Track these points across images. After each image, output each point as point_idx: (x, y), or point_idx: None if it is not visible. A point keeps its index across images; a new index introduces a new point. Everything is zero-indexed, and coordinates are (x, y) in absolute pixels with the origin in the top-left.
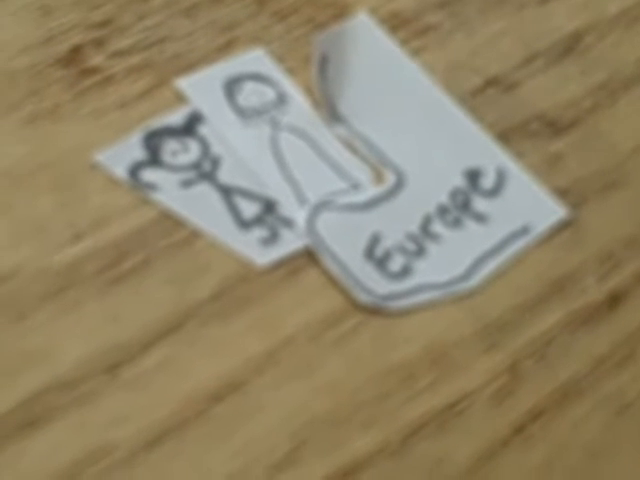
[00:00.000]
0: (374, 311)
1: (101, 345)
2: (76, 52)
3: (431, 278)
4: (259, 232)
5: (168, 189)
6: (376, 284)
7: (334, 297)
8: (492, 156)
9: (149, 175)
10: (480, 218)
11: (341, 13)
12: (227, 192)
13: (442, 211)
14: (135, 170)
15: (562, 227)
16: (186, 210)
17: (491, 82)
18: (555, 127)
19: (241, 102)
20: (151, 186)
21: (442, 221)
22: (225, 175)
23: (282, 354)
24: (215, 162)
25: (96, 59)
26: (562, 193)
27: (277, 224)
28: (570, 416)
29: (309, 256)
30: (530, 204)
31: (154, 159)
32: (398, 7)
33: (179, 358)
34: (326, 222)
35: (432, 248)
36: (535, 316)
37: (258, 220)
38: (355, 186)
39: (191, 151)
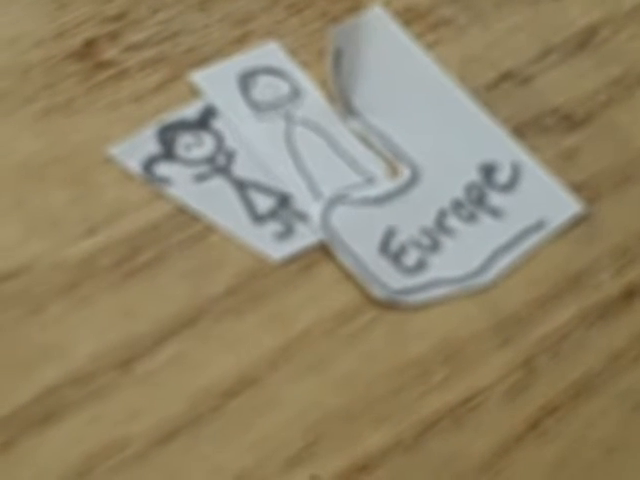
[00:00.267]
0: (389, 306)
1: (115, 340)
2: (90, 46)
3: (446, 273)
4: (273, 226)
5: (182, 183)
6: (391, 279)
7: (348, 292)
8: (507, 151)
9: (163, 169)
10: (495, 213)
11: (356, 7)
12: (241, 186)
13: (457, 206)
14: (149, 164)
15: (577, 222)
16: (200, 204)
17: (506, 76)
18: (570, 121)
19: (255, 96)
20: (165, 180)
21: (457, 216)
22: (239, 169)
23: (296, 349)
24: (229, 156)
25: (110, 53)
26: (577, 188)
27: (291, 218)
28: (585, 412)
29: (323, 250)
30: (545, 199)
31: (168, 153)
32: (413, 0)
33: (193, 353)
34: (341, 216)
35: (447, 243)
36: (550, 311)
37: (272, 214)
38: (370, 180)
39: (205, 145)
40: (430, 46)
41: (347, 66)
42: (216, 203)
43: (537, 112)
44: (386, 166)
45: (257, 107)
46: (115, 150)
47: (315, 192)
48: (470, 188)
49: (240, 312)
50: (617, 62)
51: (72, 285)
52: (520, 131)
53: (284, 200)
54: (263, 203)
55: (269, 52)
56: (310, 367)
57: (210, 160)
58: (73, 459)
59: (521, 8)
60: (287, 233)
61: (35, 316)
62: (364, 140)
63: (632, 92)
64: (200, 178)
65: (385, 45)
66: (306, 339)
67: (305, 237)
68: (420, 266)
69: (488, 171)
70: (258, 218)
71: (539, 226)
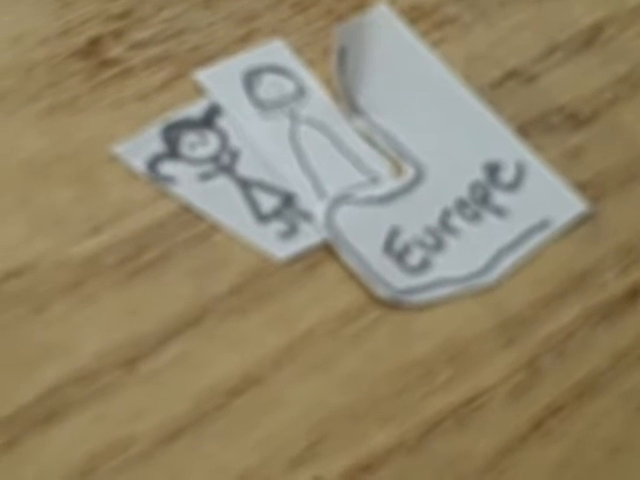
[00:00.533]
0: (392, 305)
1: (120, 338)
2: (95, 44)
3: (450, 272)
4: (278, 225)
5: (187, 182)
6: (395, 278)
7: (353, 291)
8: (512, 149)
9: (168, 168)
10: (499, 212)
11: (361, 5)
12: (246, 185)
13: (461, 205)
14: (154, 163)
15: (582, 221)
16: (205, 203)
17: (511, 74)
18: (575, 120)
19: (260, 94)
20: (170, 179)
21: (461, 215)
22: (244, 168)
23: (300, 348)
24: (234, 155)
25: (115, 51)
26: (582, 187)
27: (296, 218)
28: (589, 412)
29: (328, 250)
30: (550, 198)
31: (173, 152)
32: None
33: (198, 352)
34: (345, 216)
35: (451, 242)
36: (554, 311)
37: (277, 213)
38: (374, 179)
39: (210, 144)
40: (435, 44)
41: (352, 64)
42: (220, 202)
43: (542, 111)
44: (390, 165)
45: (262, 106)
46: (120, 148)
47: (319, 191)
48: (474, 187)
49: (244, 311)
50: (623, 60)
51: (76, 284)
52: (525, 130)
53: (288, 199)
54: (267, 202)
55: (274, 50)
56: (314, 366)
57: (214, 159)
58: (77, 458)
59: (526, 6)
60: (291, 232)
61: (39, 315)
62: (368, 139)
63: (637, 90)
64: (204, 177)
65: (390, 43)
66: (310, 338)
67: (309, 236)
68: (424, 266)
69: (493, 170)
70: (262, 217)
71: (544, 225)
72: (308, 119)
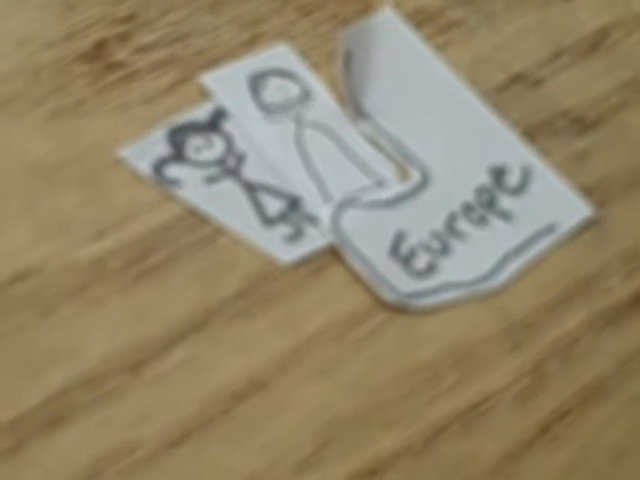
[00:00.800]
0: (398, 309)
1: (125, 342)
2: (100, 47)
3: (456, 277)
4: (283, 229)
5: (192, 185)
6: (401, 282)
7: (358, 295)
8: (517, 154)
9: (173, 171)
10: (505, 216)
11: (366, 9)
12: (251, 189)
13: (467, 209)
14: (159, 166)
15: (587, 226)
16: (210, 207)
17: (516, 78)
18: (581, 124)
19: (266, 98)
20: (175, 182)
21: (467, 219)
22: (249, 171)
23: (306, 352)
24: (239, 158)
25: (120, 54)
26: (588, 191)
27: (301, 221)
28: (595, 417)
29: (333, 253)
30: (555, 202)
31: (178, 155)
32: (423, 3)
33: (203, 356)
34: (351, 219)
35: (457, 246)
36: (560, 315)
37: (282, 217)
38: (380, 183)
39: (215, 147)
40: (440, 48)
41: (357, 68)
42: (226, 205)
43: (547, 115)
44: (396, 169)
45: (267, 109)
46: (125, 152)
47: (325, 195)
48: (480, 191)
49: (250, 315)
50: (628, 65)
51: (82, 287)
52: (530, 134)
53: (294, 203)
54: (273, 206)
55: (279, 54)
56: (320, 370)
57: (220, 162)
58: (82, 462)
59: (531, 10)
60: (297, 236)
61: (45, 318)
62: (374, 143)
63: None
64: (210, 180)
65: (395, 47)
66: (316, 342)
67: (315, 240)
68: (430, 270)
69: (498, 174)
70: (268, 221)
71: (549, 230)
72: (313, 123)
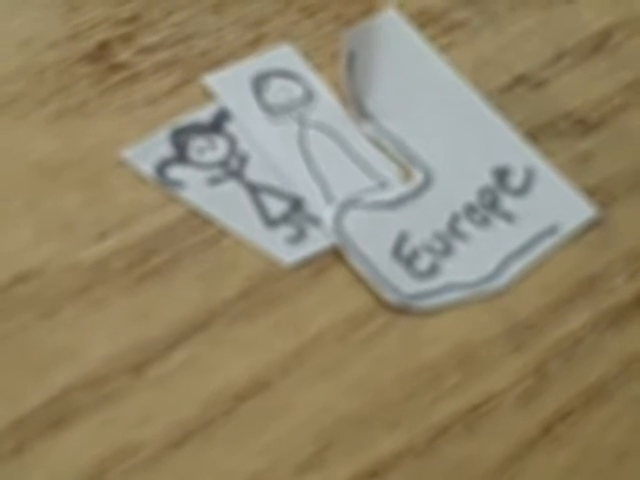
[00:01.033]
0: (401, 311)
1: (128, 343)
2: (103, 48)
3: (459, 277)
4: (286, 230)
5: (195, 187)
6: (403, 283)
7: (361, 296)
8: (520, 155)
9: (176, 172)
10: (508, 217)
11: (369, 9)
12: (254, 190)
13: (470, 210)
14: (162, 167)
15: (591, 226)
16: (213, 208)
17: (519, 80)
18: (584, 125)
19: (269, 99)
20: (178, 183)
21: (470, 220)
22: (252, 173)
23: (308, 353)
24: (242, 160)
25: (124, 55)
26: (591, 192)
27: (304, 222)
28: (598, 417)
29: (336, 255)
30: (558, 203)
31: (181, 156)
32: (426, 4)
33: (205, 357)
34: (353, 220)
35: (460, 247)
36: (563, 316)
37: (285, 218)
38: (383, 184)
39: (218, 148)
40: (444, 49)
41: (360, 69)
42: (229, 207)
43: (551, 116)
44: (399, 170)
45: (270, 110)
46: (128, 153)
47: (328, 196)
48: (483, 192)
49: (252, 316)
50: (631, 66)
51: (85, 288)
52: (533, 135)
53: (297, 204)
54: (276, 207)
55: (282, 55)
56: (322, 371)
57: (223, 164)
58: (85, 463)
59: (534, 11)
60: (299, 237)
61: (47, 319)
62: (377, 143)
63: None
64: (213, 182)
65: (398, 48)
66: (318, 343)
67: (317, 241)
68: (433, 271)
69: (501, 175)
70: (271, 222)
71: (552, 231)
72: (317, 124)
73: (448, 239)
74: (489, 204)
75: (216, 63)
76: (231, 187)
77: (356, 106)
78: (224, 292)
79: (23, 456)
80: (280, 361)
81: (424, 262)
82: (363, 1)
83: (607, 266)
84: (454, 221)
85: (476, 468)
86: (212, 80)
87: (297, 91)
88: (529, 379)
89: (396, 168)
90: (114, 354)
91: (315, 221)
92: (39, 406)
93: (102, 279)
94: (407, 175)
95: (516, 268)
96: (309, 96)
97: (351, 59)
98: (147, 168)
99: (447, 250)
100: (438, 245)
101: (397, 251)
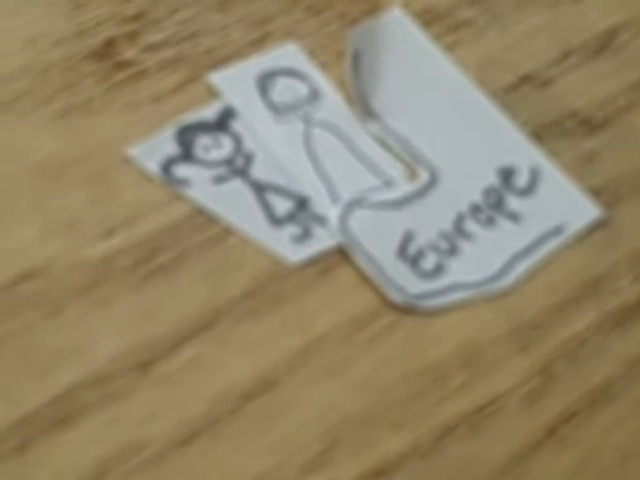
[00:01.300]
0: (406, 310)
1: (134, 341)
2: (109, 45)
3: (464, 277)
4: (291, 229)
5: (200, 185)
6: (409, 283)
7: (366, 296)
8: (526, 154)
9: (182, 170)
10: (513, 217)
11: (374, 8)
12: (260, 188)
13: (475, 210)
14: (168, 165)
15: (596, 227)
16: (218, 206)
17: (525, 79)
18: (589, 125)
19: (274, 97)
20: (183, 182)
21: (475, 220)
22: (258, 171)
23: (314, 352)
24: (248, 158)
25: (129, 53)
26: (596, 192)
27: (309, 221)
28: (603, 419)
29: (341, 254)
30: (564, 203)
31: (187, 154)
32: (431, 2)
33: (211, 355)
34: (359, 220)
35: (465, 247)
36: (568, 317)
37: (290, 217)
38: (388, 183)
39: (224, 147)
40: (449, 48)
41: (366, 68)
42: (234, 205)
43: (556, 115)
44: (404, 169)
45: (276, 109)
46: (134, 151)
47: (333, 195)
48: (488, 192)
49: (258, 315)
50: (637, 66)
51: (90, 286)
52: (539, 134)
53: (302, 203)
54: (281, 206)
55: (288, 53)
56: (328, 371)
57: (228, 162)
58: (90, 461)
59: (540, 10)
60: (305, 236)
61: (53, 318)
62: (382, 142)
63: None
64: (218, 180)
65: (404, 47)
66: (324, 343)
67: (323, 240)
68: (438, 270)
69: (507, 175)
70: (276, 221)
71: (558, 231)
72: (322, 122)
73: (454, 239)
74: (494, 204)
75: (221, 61)
76: (236, 185)
77: (361, 105)
78: (230, 291)
79: (27, 454)
80: (286, 360)
81: (429, 262)
82: (368, 0)
83: (612, 267)
84: (459, 221)
85: (481, 469)
86: (217, 78)
87: (302, 90)
88: (534, 380)
89: (402, 167)
90: (120, 352)
91: (321, 220)
92: (44, 404)
93: (108, 277)
94: (412, 174)
95: (521, 268)
96: (314, 95)
97: (356, 58)
98: (152, 166)
99: (452, 250)
100: (444, 245)
101: (402, 251)
